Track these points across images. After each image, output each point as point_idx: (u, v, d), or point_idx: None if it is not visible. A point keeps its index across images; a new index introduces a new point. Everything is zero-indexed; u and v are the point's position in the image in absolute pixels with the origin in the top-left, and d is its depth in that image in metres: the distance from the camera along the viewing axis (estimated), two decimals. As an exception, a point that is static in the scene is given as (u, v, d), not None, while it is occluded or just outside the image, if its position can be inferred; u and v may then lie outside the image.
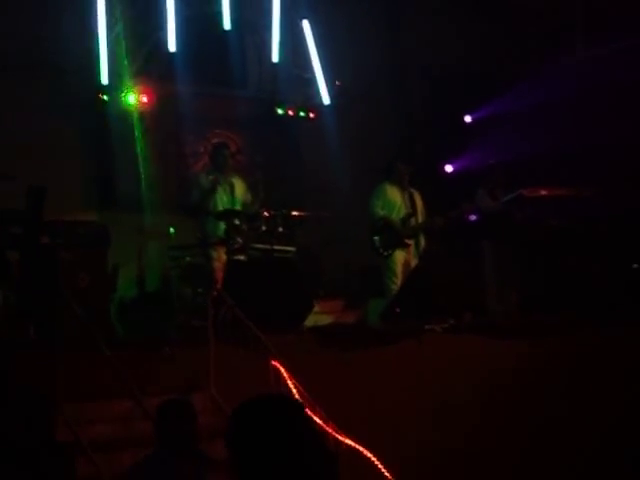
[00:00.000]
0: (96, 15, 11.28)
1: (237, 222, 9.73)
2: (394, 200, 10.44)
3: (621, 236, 11.01)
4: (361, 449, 6.41)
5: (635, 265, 10.86)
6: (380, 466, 6.35)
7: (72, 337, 8.16)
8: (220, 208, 9.93)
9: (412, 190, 10.59)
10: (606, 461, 7.00)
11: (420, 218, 10.57)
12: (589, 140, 11.42)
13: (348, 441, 6.47)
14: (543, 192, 11.26)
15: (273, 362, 7.13)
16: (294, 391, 6.79)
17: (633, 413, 7.63)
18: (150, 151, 11.75)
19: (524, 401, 7.80)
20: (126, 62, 11.66)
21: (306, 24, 12.84)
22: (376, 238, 10.35)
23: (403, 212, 10.46)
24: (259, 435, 2.55)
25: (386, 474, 6.03)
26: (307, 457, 2.55)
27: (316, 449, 2.59)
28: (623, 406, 7.72)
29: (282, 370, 7.03)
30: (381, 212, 10.37)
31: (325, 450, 2.65)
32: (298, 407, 2.68)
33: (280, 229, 10.11)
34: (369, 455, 6.43)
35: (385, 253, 10.33)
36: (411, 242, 10.45)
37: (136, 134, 11.66)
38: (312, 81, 12.89)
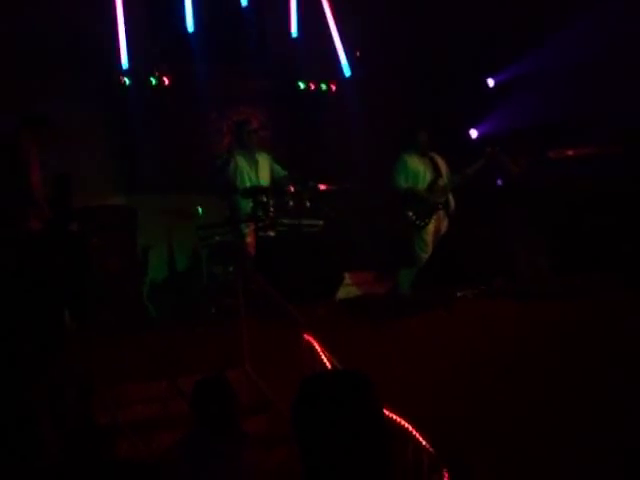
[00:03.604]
0: (114, -2, 11.30)
1: (264, 199, 9.75)
2: (417, 169, 10.46)
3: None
4: (396, 418, 6.41)
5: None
6: (418, 435, 6.35)
7: (106, 321, 8.26)
8: (247, 185, 9.96)
9: (433, 154, 10.59)
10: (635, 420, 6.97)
11: (445, 180, 10.57)
12: (615, 99, 11.32)
13: (385, 411, 6.48)
14: (570, 152, 11.19)
15: (305, 335, 7.14)
16: (327, 363, 6.81)
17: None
18: (173, 132, 11.78)
19: (557, 364, 7.78)
20: (147, 43, 11.69)
21: (325, -4, 12.79)
22: (410, 213, 10.36)
23: (429, 178, 10.47)
24: (329, 411, 2.48)
25: (423, 442, 6.03)
26: (374, 433, 2.53)
27: (381, 427, 2.56)
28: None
29: (315, 343, 7.05)
30: (404, 184, 10.38)
31: (386, 429, 2.62)
32: (369, 384, 2.62)
33: (307, 203, 10.11)
34: (406, 424, 6.44)
35: (422, 224, 10.34)
36: (441, 205, 10.46)
37: (160, 116, 11.70)
38: (332, 54, 12.85)
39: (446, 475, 5.51)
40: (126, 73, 11.34)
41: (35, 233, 8.29)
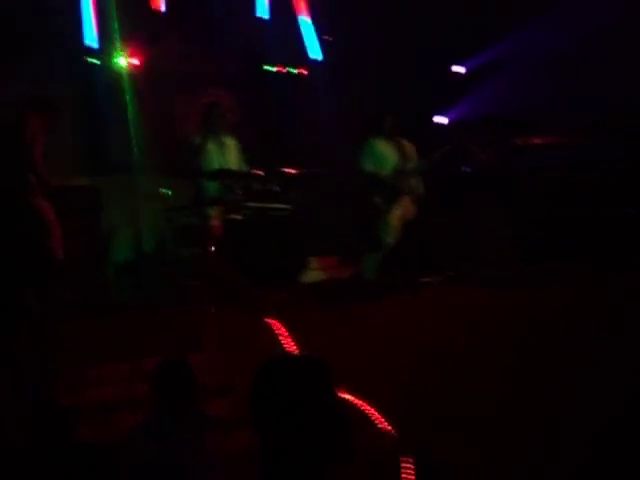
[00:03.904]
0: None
1: (231, 181, 9.73)
2: (384, 153, 10.47)
3: (616, 182, 11.00)
4: (359, 403, 6.44)
5: (631, 210, 10.86)
6: (380, 420, 6.39)
7: (70, 302, 8.20)
8: (213, 168, 9.92)
9: (401, 139, 10.59)
10: (603, 406, 7.02)
11: (413, 165, 10.58)
12: (583, 88, 11.36)
13: (346, 395, 6.50)
14: (537, 140, 11.23)
15: (269, 319, 7.14)
16: (291, 348, 6.82)
17: (631, 356, 7.63)
18: (142, 113, 11.70)
19: (522, 351, 7.83)
20: (115, 24, 11.57)
21: (295, -22, 12.72)
22: (376, 197, 10.37)
23: (396, 162, 10.48)
24: (284, 396, 2.54)
25: (385, 426, 6.07)
26: (330, 420, 2.54)
27: (339, 412, 2.59)
28: (621, 352, 7.73)
29: (279, 327, 7.06)
30: (371, 168, 10.39)
31: (345, 413, 2.63)
32: (324, 368, 2.65)
33: (274, 187, 10.09)
34: (369, 409, 6.47)
35: (388, 208, 10.34)
36: (408, 190, 10.47)
37: (127, 97, 11.60)
38: (302, 37, 12.79)
39: (409, 462, 5.53)
40: (93, 53, 11.23)
41: (39, 209, 8.53)
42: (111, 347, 7.23)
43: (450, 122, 12.70)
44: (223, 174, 9.80)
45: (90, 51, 11.24)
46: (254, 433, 2.55)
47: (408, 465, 5.61)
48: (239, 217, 9.87)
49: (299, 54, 12.79)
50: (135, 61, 11.55)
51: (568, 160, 11.27)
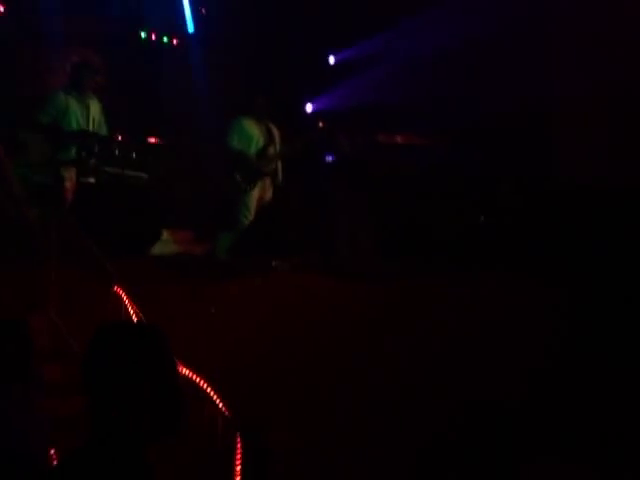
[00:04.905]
0: None
1: (90, 144, 9.55)
2: (251, 133, 10.41)
3: (472, 188, 11.27)
4: (198, 380, 6.42)
5: (482, 218, 11.17)
6: (215, 398, 6.38)
7: None
8: (73, 128, 9.72)
9: (269, 122, 10.58)
10: (440, 397, 7.19)
11: (277, 149, 10.61)
12: (452, 90, 11.55)
13: (185, 371, 6.47)
14: (399, 139, 11.39)
15: (115, 288, 7.04)
16: (134, 318, 6.74)
17: (467, 354, 7.82)
18: (2, 63, 11.34)
19: (360, 340, 7.94)
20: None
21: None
22: (237, 175, 10.31)
23: (261, 144, 10.46)
24: (119, 362, 2.53)
25: (220, 405, 6.07)
26: (164, 388, 2.54)
27: (172, 380, 2.58)
28: (457, 349, 7.92)
29: (123, 296, 6.97)
30: (237, 146, 10.33)
31: (178, 384, 2.63)
32: (161, 339, 2.63)
33: (133, 155, 9.95)
34: (205, 386, 6.45)
35: (247, 188, 10.30)
36: (269, 173, 10.47)
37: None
38: (178, 7, 12.65)
39: (239, 439, 5.55)
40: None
41: None
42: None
43: (318, 110, 12.76)
44: (82, 135, 9.61)
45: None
46: (84, 397, 2.54)
47: (239, 447, 5.63)
48: (93, 180, 9.70)
49: (173, 24, 12.65)
50: (1, 7, 11.19)
51: (428, 161, 11.47)
